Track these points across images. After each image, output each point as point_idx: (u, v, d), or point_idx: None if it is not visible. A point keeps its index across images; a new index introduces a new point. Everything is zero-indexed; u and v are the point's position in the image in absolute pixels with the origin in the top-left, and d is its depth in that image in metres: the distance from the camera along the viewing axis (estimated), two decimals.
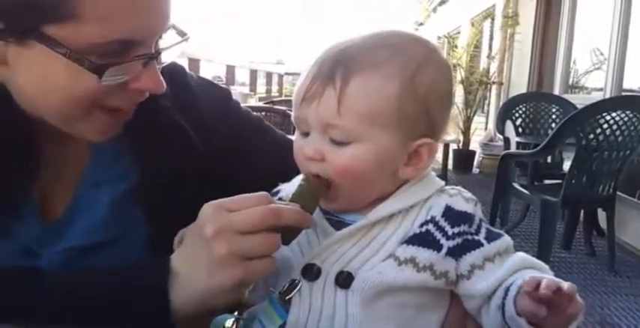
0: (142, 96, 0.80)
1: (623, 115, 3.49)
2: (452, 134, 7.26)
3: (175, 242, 0.79)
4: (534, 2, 7.17)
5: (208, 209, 0.73)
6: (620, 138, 3.49)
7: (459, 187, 0.80)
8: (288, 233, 0.73)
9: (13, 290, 0.75)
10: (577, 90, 6.90)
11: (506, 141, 5.45)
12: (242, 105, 1.08)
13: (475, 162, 7.88)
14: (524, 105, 5.38)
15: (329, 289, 0.74)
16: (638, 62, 5.11)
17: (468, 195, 0.79)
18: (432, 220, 0.75)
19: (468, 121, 7.87)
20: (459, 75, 7.80)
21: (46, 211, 0.86)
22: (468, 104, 7.89)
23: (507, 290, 0.71)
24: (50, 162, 0.86)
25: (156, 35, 0.78)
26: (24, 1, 0.69)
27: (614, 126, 3.47)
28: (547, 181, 4.85)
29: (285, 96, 10.99)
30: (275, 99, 6.02)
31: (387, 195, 0.78)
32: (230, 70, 9.85)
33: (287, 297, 0.74)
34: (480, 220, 0.77)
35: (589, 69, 6.55)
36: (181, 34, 0.83)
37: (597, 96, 5.27)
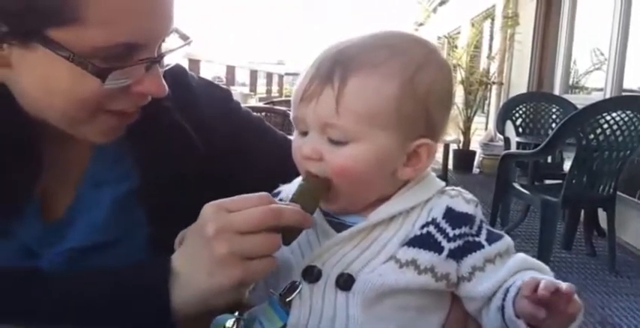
0: (144, 99, 0.81)
1: (623, 115, 3.49)
2: (452, 134, 7.26)
3: (176, 243, 0.79)
4: (534, 2, 7.17)
5: (209, 209, 0.73)
6: (620, 138, 3.49)
7: (459, 188, 0.80)
8: (288, 233, 0.73)
9: (13, 290, 0.75)
10: (577, 90, 6.90)
11: (507, 141, 5.45)
12: (242, 105, 1.08)
13: (475, 163, 7.88)
14: (525, 105, 5.39)
15: (329, 291, 0.74)
16: (638, 62, 5.11)
17: (469, 196, 0.79)
18: (433, 222, 0.75)
19: (468, 121, 7.87)
20: (459, 75, 7.80)
21: (47, 211, 0.86)
22: (468, 104, 7.89)
23: (507, 291, 0.71)
24: (52, 162, 0.86)
25: (159, 39, 0.78)
26: (27, 4, 0.69)
27: (615, 127, 3.47)
28: (547, 181, 4.85)
29: (286, 96, 10.98)
30: (275, 100, 6.03)
31: (387, 196, 0.78)
32: (230, 71, 9.86)
33: (287, 299, 0.74)
34: (481, 221, 0.77)
35: (589, 69, 6.55)
36: (184, 37, 0.83)
37: (597, 97, 5.27)
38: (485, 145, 7.83)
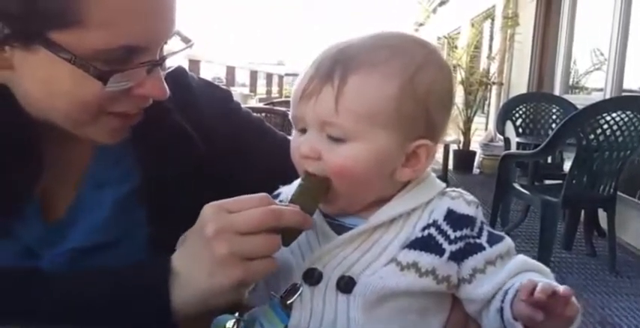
0: (145, 102, 0.81)
1: (623, 115, 3.49)
2: (452, 134, 7.26)
3: (178, 244, 0.79)
4: (534, 3, 7.17)
5: (209, 209, 0.73)
6: (620, 139, 3.50)
7: (460, 189, 0.80)
8: (288, 234, 0.73)
9: (13, 290, 0.75)
10: (577, 90, 6.90)
11: (507, 141, 5.45)
12: (242, 106, 1.08)
13: (475, 163, 7.88)
14: (525, 105, 5.39)
15: (330, 294, 0.74)
16: (638, 62, 5.11)
17: (470, 197, 0.78)
18: (434, 224, 0.75)
19: (468, 122, 7.87)
20: (459, 75, 7.80)
21: (48, 212, 0.86)
22: (468, 105, 7.89)
23: (505, 293, 0.71)
24: (52, 162, 0.86)
25: (161, 42, 0.78)
26: (29, 7, 0.69)
27: (615, 127, 3.47)
28: (547, 181, 4.85)
29: (286, 97, 10.97)
30: (275, 100, 6.02)
31: (386, 197, 0.78)
32: (230, 71, 9.86)
33: (288, 302, 0.74)
34: (482, 223, 0.77)
35: (589, 69, 6.56)
36: (186, 40, 0.83)
37: (597, 97, 5.27)
38: (485, 146, 7.83)
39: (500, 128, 5.37)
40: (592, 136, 3.45)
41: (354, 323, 0.73)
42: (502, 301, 0.71)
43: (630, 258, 4.07)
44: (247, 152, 1.00)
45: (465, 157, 7.81)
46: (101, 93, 0.74)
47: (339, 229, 0.77)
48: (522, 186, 4.06)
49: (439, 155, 6.24)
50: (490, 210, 4.06)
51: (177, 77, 0.95)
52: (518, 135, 5.26)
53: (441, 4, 13.93)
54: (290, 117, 0.79)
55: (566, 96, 5.85)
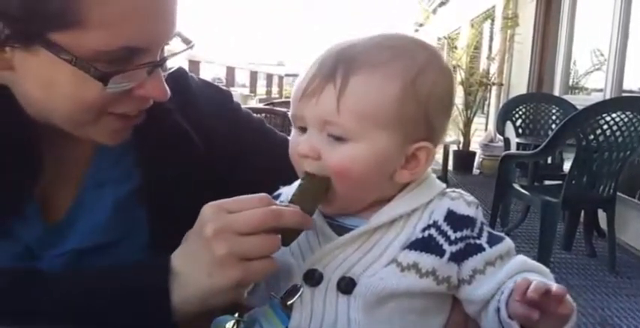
0: (146, 103, 0.81)
1: (623, 116, 3.49)
2: (452, 135, 7.27)
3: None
4: (534, 3, 7.17)
5: (208, 209, 0.73)
6: (620, 139, 3.50)
7: (460, 190, 0.80)
8: (288, 234, 0.73)
9: (13, 290, 0.75)
10: (577, 91, 6.90)
11: (507, 142, 5.46)
12: (242, 106, 1.08)
13: (475, 163, 7.88)
14: (525, 106, 5.39)
15: (331, 294, 0.74)
16: (638, 63, 5.11)
17: (470, 198, 0.78)
18: (435, 224, 0.75)
19: (468, 122, 7.87)
20: (459, 76, 7.80)
21: (48, 212, 0.86)
22: (468, 105, 7.89)
23: (502, 293, 0.71)
24: (53, 163, 0.86)
25: (162, 43, 0.78)
26: (30, 8, 0.69)
27: (614, 127, 3.47)
28: (547, 182, 4.85)
29: (286, 97, 10.96)
30: (275, 101, 6.02)
31: (386, 198, 0.78)
32: (230, 72, 9.86)
33: (288, 303, 0.74)
34: (482, 224, 0.77)
35: (589, 70, 6.55)
36: (186, 41, 0.83)
37: (597, 97, 5.27)
38: (485, 146, 7.83)
39: (500, 128, 5.37)
40: (592, 137, 3.45)
41: (354, 324, 0.73)
42: (499, 301, 0.71)
43: (630, 259, 4.07)
44: (247, 152, 1.00)
45: (464, 158, 7.81)
46: (102, 94, 0.74)
47: (340, 230, 0.77)
48: (522, 186, 4.07)
49: (439, 155, 6.25)
50: (490, 211, 4.06)
51: (178, 78, 0.95)
52: (518, 135, 5.26)
53: (441, 4, 13.93)
54: (290, 115, 0.79)
55: (566, 97, 5.85)
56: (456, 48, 8.49)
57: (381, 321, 0.73)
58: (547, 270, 0.76)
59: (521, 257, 0.76)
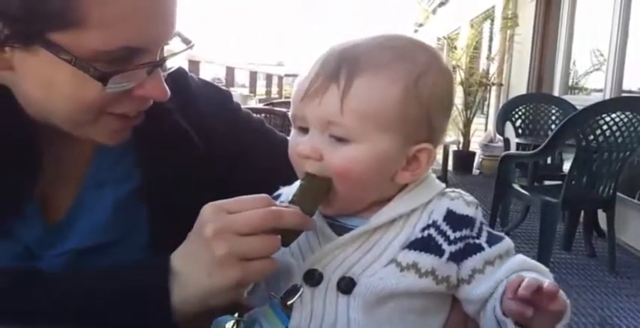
0: (146, 104, 0.81)
1: (622, 116, 3.49)
2: (452, 135, 7.28)
3: None
4: (534, 3, 7.17)
5: (208, 209, 0.73)
6: (619, 139, 3.50)
7: (459, 190, 0.80)
8: (287, 234, 0.73)
9: (13, 290, 0.75)
10: (577, 91, 6.90)
11: (506, 142, 5.46)
12: (242, 106, 1.08)
13: (475, 164, 7.88)
14: (524, 106, 5.40)
15: (331, 294, 0.74)
16: (638, 63, 5.11)
17: (470, 198, 0.79)
18: (434, 224, 0.75)
19: (467, 123, 7.88)
20: (459, 76, 7.80)
21: (48, 212, 0.86)
22: (467, 105, 7.89)
23: (498, 291, 0.71)
24: (53, 163, 0.86)
25: (161, 43, 0.78)
26: (30, 8, 0.69)
27: (614, 127, 3.47)
28: (547, 182, 4.86)
29: (285, 97, 10.97)
30: (275, 101, 6.03)
31: (386, 198, 0.78)
32: (230, 72, 9.87)
33: (288, 303, 0.74)
34: (481, 223, 0.77)
35: (589, 70, 6.56)
36: (186, 41, 0.83)
37: (597, 98, 5.28)
38: (484, 146, 7.83)
39: (500, 129, 5.37)
40: (591, 137, 3.45)
41: (354, 324, 0.73)
42: (495, 298, 0.71)
43: (630, 259, 4.07)
44: (247, 152, 1.00)
45: (464, 158, 7.82)
46: (101, 94, 0.74)
47: (339, 230, 0.77)
48: (522, 186, 4.07)
49: (439, 156, 6.24)
50: (490, 211, 4.06)
51: (177, 78, 0.95)
52: (517, 135, 5.26)
53: (441, 4, 13.94)
54: (290, 115, 0.79)
55: (565, 97, 5.85)
56: (455, 48, 8.50)
57: (380, 321, 0.73)
58: (546, 269, 0.76)
59: (520, 257, 0.76)
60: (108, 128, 0.80)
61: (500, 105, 6.41)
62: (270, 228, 0.71)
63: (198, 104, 0.98)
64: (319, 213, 0.78)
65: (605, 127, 3.46)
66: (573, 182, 3.55)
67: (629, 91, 5.22)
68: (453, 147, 7.58)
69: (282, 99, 7.15)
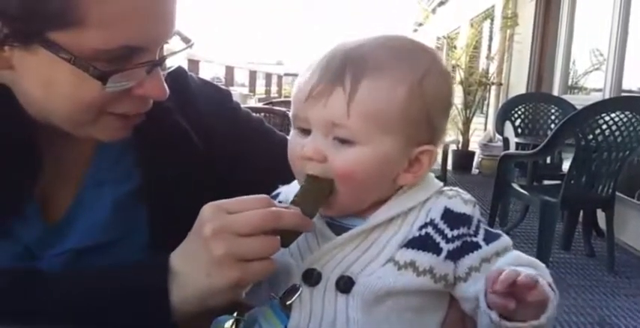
0: (146, 104, 0.81)
1: (622, 116, 3.49)
2: (451, 135, 7.28)
3: None
4: (534, 3, 7.17)
5: (208, 209, 0.73)
6: (619, 139, 3.50)
7: (457, 188, 0.80)
8: (287, 235, 0.73)
9: (13, 290, 0.75)
10: (576, 90, 6.91)
11: (506, 141, 5.46)
12: (241, 106, 1.08)
13: (474, 163, 7.89)
14: (524, 105, 5.40)
15: (330, 294, 0.74)
16: (638, 63, 5.12)
17: (467, 196, 0.79)
18: (432, 223, 0.75)
19: (467, 122, 7.88)
20: (458, 76, 7.81)
21: (48, 212, 0.86)
22: (467, 105, 7.89)
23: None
24: (53, 163, 0.86)
25: (161, 42, 0.78)
26: (29, 7, 0.69)
27: (614, 127, 3.48)
28: (546, 182, 4.86)
29: (285, 97, 10.97)
30: (274, 100, 6.02)
31: (385, 198, 0.78)
32: (229, 71, 9.88)
33: (288, 302, 0.74)
34: (479, 221, 0.77)
35: (588, 69, 6.56)
36: (186, 40, 0.83)
37: (596, 97, 5.27)
38: (484, 146, 7.84)
39: (499, 128, 5.38)
40: (591, 136, 3.45)
41: (353, 323, 0.73)
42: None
43: (629, 258, 4.08)
44: (247, 152, 1.00)
45: (463, 157, 7.82)
46: (101, 94, 0.74)
47: (338, 229, 0.77)
48: (521, 186, 4.07)
49: (438, 155, 6.25)
50: (489, 210, 4.06)
51: (177, 77, 0.95)
52: (517, 135, 5.26)
53: (441, 4, 13.93)
54: (291, 115, 0.79)
55: (565, 97, 5.85)
56: (455, 47, 8.51)
57: (379, 320, 0.73)
58: (542, 265, 0.75)
59: (516, 253, 0.76)
60: (108, 128, 0.81)
61: (500, 105, 6.42)
62: (270, 229, 0.71)
63: (198, 103, 0.98)
64: (318, 214, 0.78)
65: (604, 127, 3.46)
66: (572, 181, 3.55)
67: (629, 91, 5.23)
68: (453, 147, 7.59)
69: (282, 99, 7.16)
